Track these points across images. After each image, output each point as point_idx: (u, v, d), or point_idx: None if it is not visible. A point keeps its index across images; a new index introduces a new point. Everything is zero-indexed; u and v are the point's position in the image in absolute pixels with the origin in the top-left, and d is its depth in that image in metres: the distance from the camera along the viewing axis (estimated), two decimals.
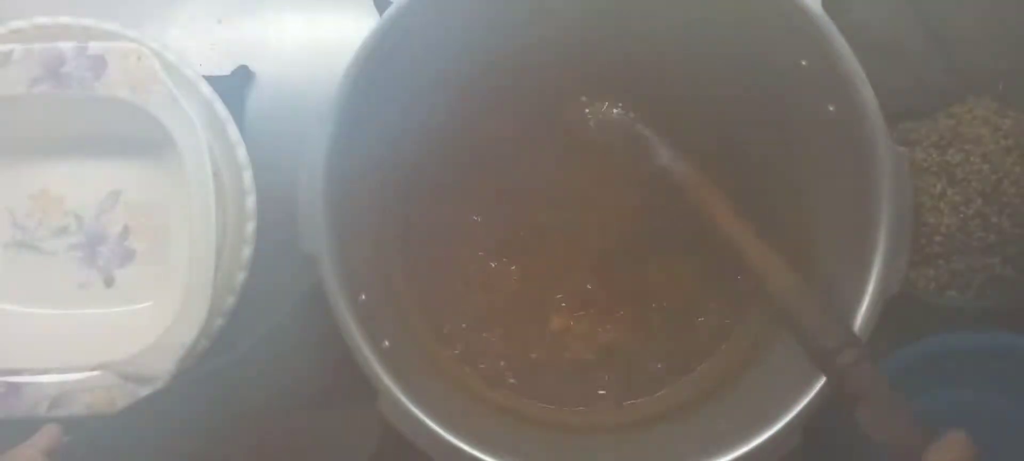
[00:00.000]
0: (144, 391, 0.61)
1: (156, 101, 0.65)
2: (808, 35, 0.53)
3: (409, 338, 0.62)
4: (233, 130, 0.71)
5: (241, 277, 0.69)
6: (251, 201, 0.70)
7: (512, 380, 0.65)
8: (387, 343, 0.55)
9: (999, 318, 0.76)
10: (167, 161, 0.70)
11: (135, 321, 0.69)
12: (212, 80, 0.72)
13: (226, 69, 0.76)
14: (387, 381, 0.51)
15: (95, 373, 0.64)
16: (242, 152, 0.71)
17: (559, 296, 0.66)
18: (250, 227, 0.70)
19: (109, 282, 0.70)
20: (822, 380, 0.51)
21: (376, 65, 0.53)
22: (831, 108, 0.55)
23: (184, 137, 0.65)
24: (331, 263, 0.52)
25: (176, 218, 0.71)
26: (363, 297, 0.55)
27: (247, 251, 0.69)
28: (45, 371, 0.65)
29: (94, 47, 0.66)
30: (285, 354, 0.54)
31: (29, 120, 0.69)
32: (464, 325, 0.65)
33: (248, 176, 0.70)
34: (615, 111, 0.67)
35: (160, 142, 0.69)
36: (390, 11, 0.53)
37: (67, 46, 0.67)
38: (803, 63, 0.55)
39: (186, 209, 0.65)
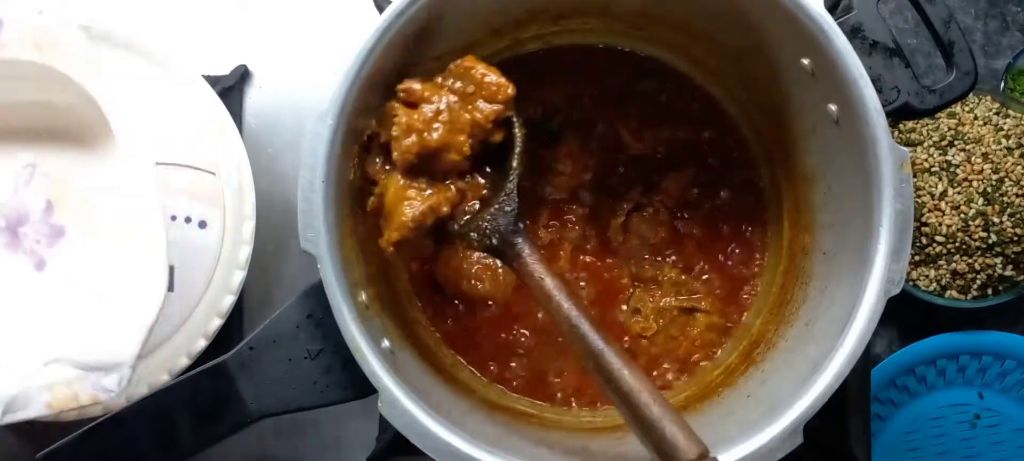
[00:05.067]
0: (109, 381, 0.55)
1: (69, 59, 0.57)
2: (809, 35, 0.53)
3: (408, 337, 0.62)
4: (232, 130, 0.70)
5: (240, 277, 0.68)
6: (250, 201, 0.68)
7: (511, 379, 0.64)
8: (387, 343, 0.54)
9: (999, 318, 0.76)
10: (89, 124, 0.62)
11: (79, 305, 0.62)
12: (212, 80, 0.72)
13: (226, 69, 0.76)
14: (386, 381, 0.51)
15: (50, 368, 0.57)
16: (241, 152, 0.70)
17: None
18: (249, 227, 0.68)
19: (40, 265, 0.63)
20: (822, 381, 0.51)
21: (376, 64, 0.53)
22: (832, 107, 0.54)
23: (106, 94, 0.56)
24: (331, 263, 0.52)
25: (106, 185, 0.63)
26: (363, 297, 0.55)
27: (246, 251, 0.68)
28: None
29: None
30: (284, 353, 0.54)
31: None
32: (464, 324, 0.65)
33: (247, 176, 0.69)
34: None
35: (76, 105, 0.59)
36: (390, 10, 0.53)
37: None
38: (804, 62, 0.55)
39: (119, 174, 0.58)
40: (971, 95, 0.74)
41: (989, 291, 0.73)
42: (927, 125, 0.75)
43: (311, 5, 0.79)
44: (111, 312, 0.59)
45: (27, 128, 0.63)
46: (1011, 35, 0.81)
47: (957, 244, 0.71)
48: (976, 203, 0.71)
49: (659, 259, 0.66)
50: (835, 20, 0.53)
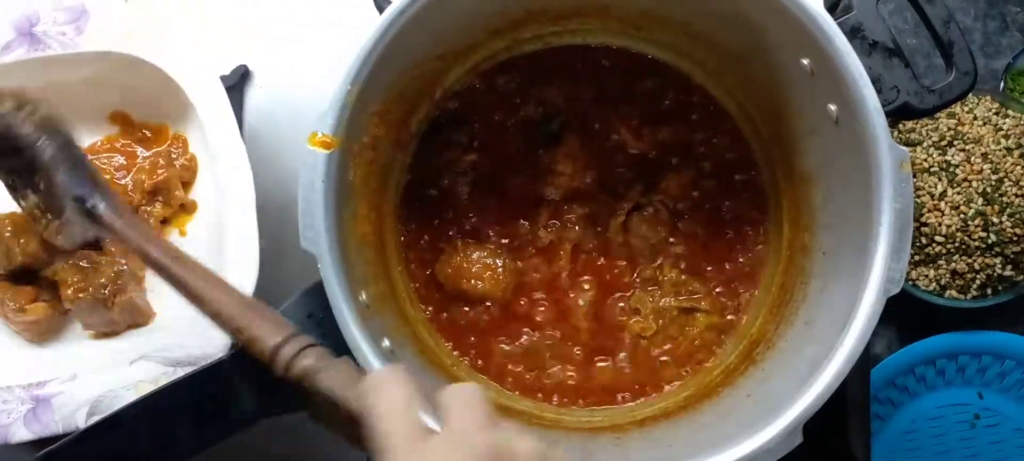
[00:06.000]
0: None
1: (155, 49, 0.57)
2: (809, 35, 0.53)
3: (408, 337, 0.62)
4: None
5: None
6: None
7: (512, 379, 0.64)
8: (387, 343, 0.54)
9: (999, 318, 0.76)
10: (177, 123, 0.62)
11: (156, 301, 0.62)
12: None
13: (226, 69, 0.76)
14: None
15: (136, 366, 0.57)
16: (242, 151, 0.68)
17: (558, 294, 0.66)
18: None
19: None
20: (822, 381, 0.51)
21: (376, 65, 0.53)
22: (832, 108, 0.54)
23: (200, 90, 0.56)
24: (331, 263, 0.52)
25: (193, 188, 0.62)
26: (363, 296, 0.55)
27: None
28: (74, 376, 0.58)
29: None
30: None
31: None
32: (464, 324, 0.65)
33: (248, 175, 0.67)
34: None
35: (165, 101, 0.60)
36: (390, 10, 0.53)
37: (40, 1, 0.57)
38: (804, 62, 0.55)
39: (206, 175, 0.57)
40: (971, 95, 0.74)
41: (989, 291, 0.73)
42: (927, 125, 0.75)
43: (311, 5, 0.79)
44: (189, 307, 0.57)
45: (109, 125, 0.63)
46: (1010, 35, 0.81)
47: (957, 244, 0.71)
48: (976, 203, 0.71)
49: (659, 259, 0.66)
50: (835, 20, 0.53)
